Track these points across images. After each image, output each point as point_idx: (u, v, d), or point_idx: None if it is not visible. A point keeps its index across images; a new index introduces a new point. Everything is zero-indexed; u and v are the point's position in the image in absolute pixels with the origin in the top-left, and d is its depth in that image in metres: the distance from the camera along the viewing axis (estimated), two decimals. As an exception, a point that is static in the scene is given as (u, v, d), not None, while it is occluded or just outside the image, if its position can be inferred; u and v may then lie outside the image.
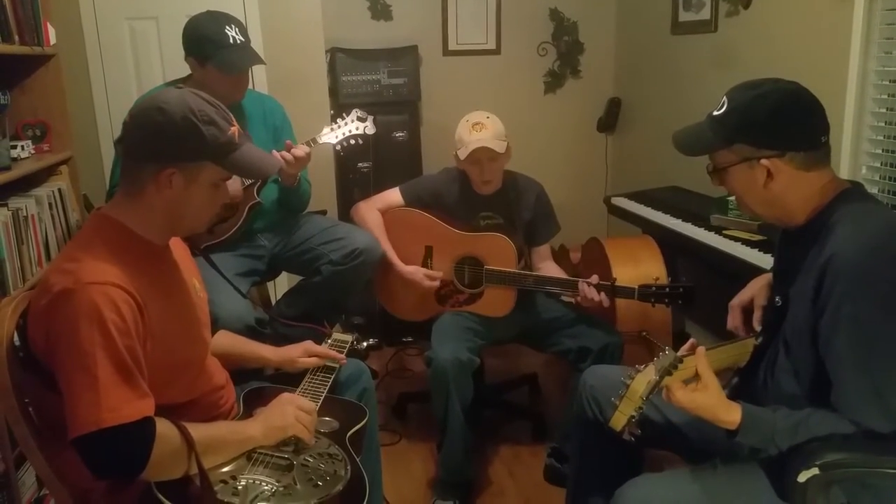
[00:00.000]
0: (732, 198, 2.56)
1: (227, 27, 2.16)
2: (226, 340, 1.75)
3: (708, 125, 1.43)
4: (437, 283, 2.45)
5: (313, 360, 1.79)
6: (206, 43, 2.14)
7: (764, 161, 1.36)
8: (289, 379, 1.76)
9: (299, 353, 1.79)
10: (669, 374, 1.31)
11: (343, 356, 1.83)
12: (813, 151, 1.37)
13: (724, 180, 1.44)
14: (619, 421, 1.34)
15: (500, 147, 2.33)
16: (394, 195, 2.55)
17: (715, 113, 1.43)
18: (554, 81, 4.06)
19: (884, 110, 2.31)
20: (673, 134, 1.52)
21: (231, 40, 2.15)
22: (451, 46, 3.88)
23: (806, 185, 1.38)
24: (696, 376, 1.34)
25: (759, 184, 1.38)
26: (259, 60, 2.23)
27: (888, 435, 1.26)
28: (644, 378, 1.33)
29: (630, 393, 1.34)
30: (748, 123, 1.37)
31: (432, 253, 2.49)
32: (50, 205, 2.41)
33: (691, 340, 1.41)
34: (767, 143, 1.36)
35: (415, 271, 2.45)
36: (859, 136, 2.36)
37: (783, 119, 1.36)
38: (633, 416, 1.32)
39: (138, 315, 1.26)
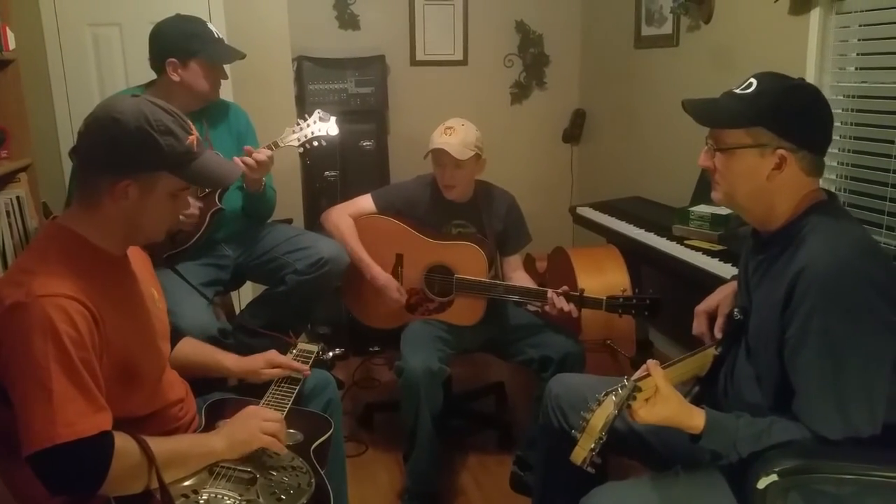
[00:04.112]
0: (694, 208, 2.63)
1: (208, 24, 2.21)
2: (188, 348, 1.71)
3: (729, 101, 1.38)
4: (403, 300, 2.45)
5: (276, 372, 1.75)
6: (193, 38, 2.16)
7: (780, 151, 1.33)
8: (252, 391, 1.73)
9: (262, 364, 1.74)
10: (629, 406, 1.32)
11: (307, 367, 1.79)
12: (819, 158, 1.38)
13: (724, 162, 1.39)
14: (579, 456, 1.34)
15: (460, 154, 2.32)
16: (366, 201, 2.54)
17: (738, 91, 1.38)
18: (520, 93, 4.10)
19: (839, 124, 2.38)
20: (686, 101, 1.44)
21: (216, 34, 2.20)
22: (419, 56, 3.90)
23: (799, 189, 1.38)
24: (656, 391, 1.36)
25: (762, 173, 1.35)
26: (241, 55, 2.26)
27: (845, 440, 1.28)
28: (603, 413, 1.34)
29: (590, 429, 1.34)
30: (779, 110, 1.33)
31: (403, 261, 2.49)
32: (7, 213, 2.35)
33: (649, 362, 1.39)
34: (791, 134, 1.33)
35: (388, 282, 2.44)
36: (815, 149, 2.43)
37: (813, 116, 1.35)
38: (593, 449, 1.33)
39: (94, 327, 1.23)
